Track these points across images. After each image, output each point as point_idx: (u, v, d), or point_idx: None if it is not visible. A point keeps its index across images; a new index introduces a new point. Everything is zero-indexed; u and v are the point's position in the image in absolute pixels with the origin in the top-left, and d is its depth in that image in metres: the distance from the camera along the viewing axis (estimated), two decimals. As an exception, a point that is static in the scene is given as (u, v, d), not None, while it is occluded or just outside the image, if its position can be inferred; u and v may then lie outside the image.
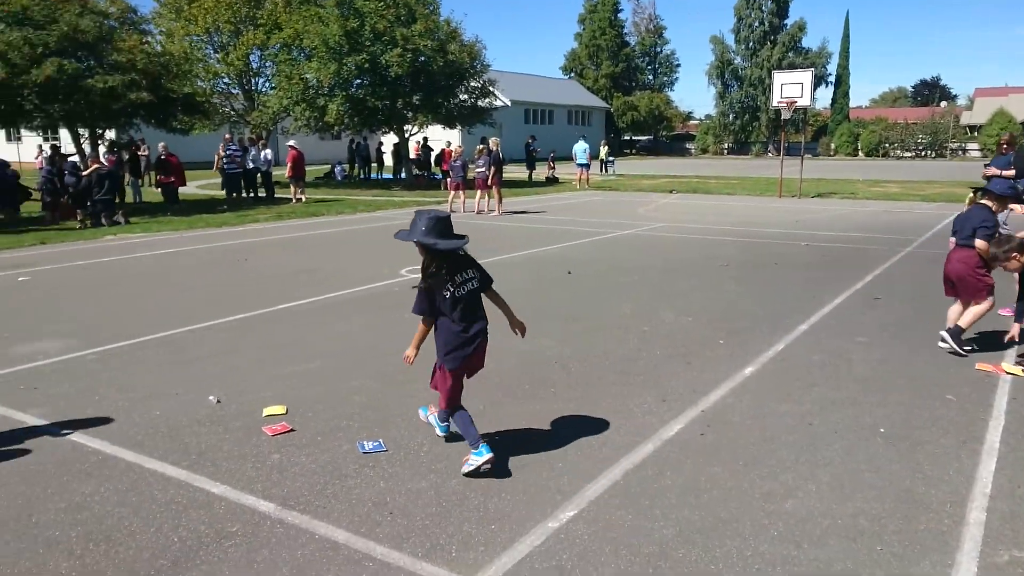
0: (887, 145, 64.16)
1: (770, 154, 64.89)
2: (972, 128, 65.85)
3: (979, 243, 6.26)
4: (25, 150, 35.62)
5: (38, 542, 3.54)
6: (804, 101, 22.27)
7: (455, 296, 4.16)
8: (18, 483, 4.15)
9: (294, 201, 21.47)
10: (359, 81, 26.25)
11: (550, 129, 57.81)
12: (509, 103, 51.29)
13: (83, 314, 8.33)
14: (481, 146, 19.22)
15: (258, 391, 5.63)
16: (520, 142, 37.51)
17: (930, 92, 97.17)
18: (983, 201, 6.59)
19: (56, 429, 4.90)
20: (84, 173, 16.93)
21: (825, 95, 71.11)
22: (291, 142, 22.86)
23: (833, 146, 66.99)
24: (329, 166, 35.26)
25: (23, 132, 30.94)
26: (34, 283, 10.26)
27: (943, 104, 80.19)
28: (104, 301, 9.09)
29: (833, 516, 3.75)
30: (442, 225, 4.14)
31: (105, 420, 5.06)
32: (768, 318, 7.79)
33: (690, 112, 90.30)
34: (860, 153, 65.44)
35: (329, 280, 10.07)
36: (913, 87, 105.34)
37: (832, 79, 69.37)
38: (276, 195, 23.61)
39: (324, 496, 3.97)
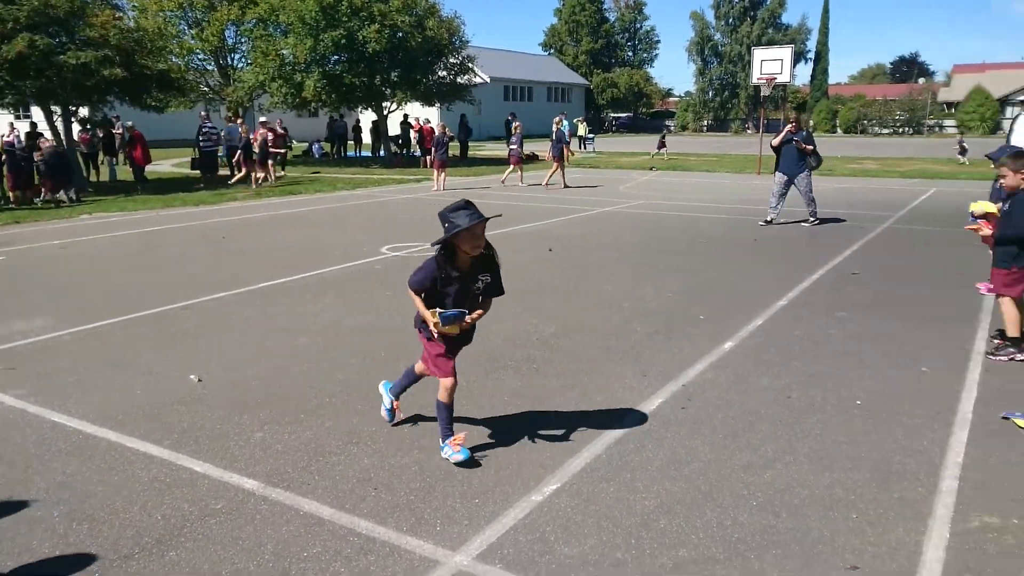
0: (865, 122, 64.59)
1: (749, 131, 65.07)
2: (950, 105, 66.40)
3: None
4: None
5: (20, 521, 3.53)
6: (784, 77, 22.33)
7: (456, 296, 3.95)
8: (-2, 464, 4.13)
9: (257, 183, 20.43)
10: (336, 57, 25.93)
11: (530, 106, 57.58)
12: (488, 80, 50.96)
13: (60, 294, 8.23)
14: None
15: (240, 369, 5.62)
16: (500, 119, 37.32)
17: (908, 69, 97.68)
18: None
19: (36, 409, 4.86)
20: (38, 153, 16.75)
21: (804, 72, 71.37)
22: (263, 119, 22.37)
23: (812, 123, 67.22)
24: (307, 144, 34.89)
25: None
26: (9, 263, 10.11)
27: (921, 81, 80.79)
28: (81, 280, 8.99)
29: (811, 486, 3.82)
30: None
31: (86, 399, 5.03)
32: (748, 294, 7.87)
33: (670, 89, 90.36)
34: (839, 130, 65.82)
35: (310, 258, 10.01)
36: (891, 64, 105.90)
37: (811, 56, 69.56)
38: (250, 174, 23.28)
39: (308, 473, 3.98)
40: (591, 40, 74.04)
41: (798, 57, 64.14)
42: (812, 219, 12.71)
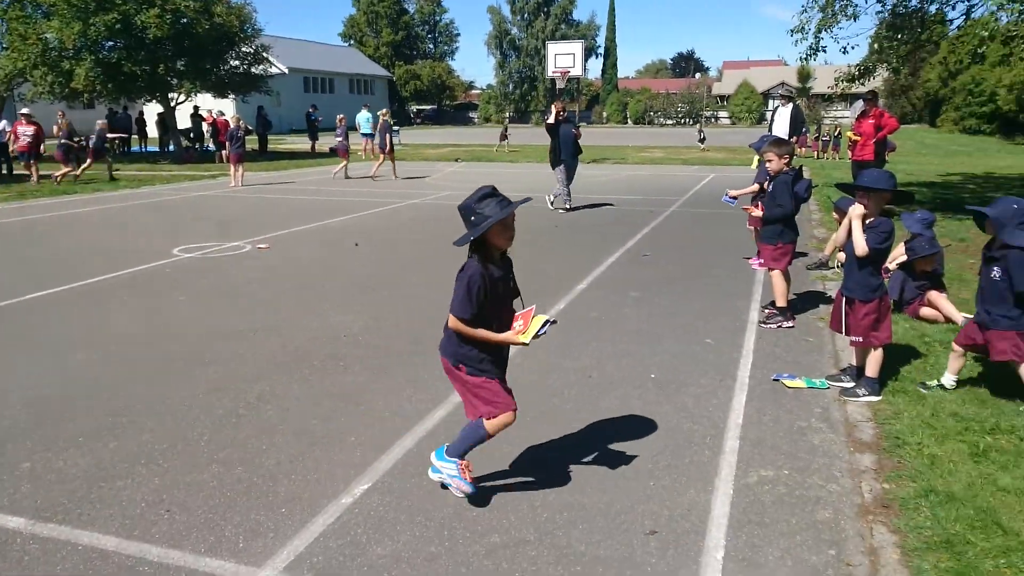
0: (652, 113, 69.36)
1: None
2: (722, 98, 72.95)
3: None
4: None
5: None
6: (577, 71, 23.37)
7: (499, 304, 3.44)
8: None
9: (59, 180, 18.25)
10: (112, 43, 23.67)
11: (332, 98, 56.04)
12: (286, 71, 48.97)
13: None
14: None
15: (2, 394, 4.96)
16: (301, 112, 35.95)
17: (686, 64, 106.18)
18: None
19: None
20: None
21: (596, 66, 75.27)
22: (24, 111, 19.88)
23: (605, 115, 71.15)
24: (80, 138, 31.52)
25: None
26: None
27: (698, 76, 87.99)
28: None
29: (613, 460, 4.02)
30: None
31: None
32: (551, 278, 8.15)
33: (472, 82, 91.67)
34: (629, 121, 70.14)
35: (88, 265, 9.06)
36: (672, 60, 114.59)
37: (601, 51, 73.52)
38: (15, 172, 20.75)
39: (88, 502, 3.59)
40: (391, 32, 73.37)
41: (589, 52, 67.48)
42: (553, 203, 13.41)
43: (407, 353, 5.78)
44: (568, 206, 13.32)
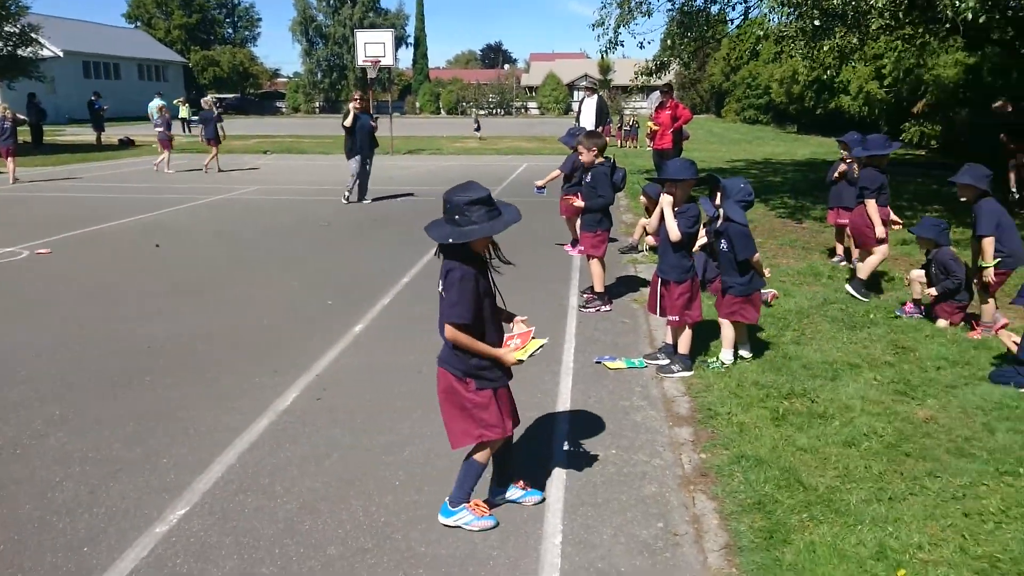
0: (464, 104, 70.03)
1: (361, 113, 66.28)
2: (531, 89, 75.11)
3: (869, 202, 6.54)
4: None
5: None
6: (388, 60, 23.02)
7: (490, 310, 3.29)
8: None
9: None
10: None
11: (118, 85, 51.41)
12: (61, 54, 44.17)
13: None
14: None
15: None
16: (81, 99, 32.63)
17: (495, 56, 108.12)
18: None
19: None
20: None
21: (406, 56, 74.72)
22: None
23: (418, 105, 70.93)
24: None
25: None
26: None
27: (506, 67, 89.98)
28: None
29: (449, 455, 3.95)
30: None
31: None
32: (372, 275, 7.97)
33: (277, 69, 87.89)
34: (442, 111, 70.39)
35: None
36: (481, 50, 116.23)
37: (411, 40, 73.13)
38: None
39: None
40: (183, 14, 68.38)
41: (399, 41, 66.96)
42: (351, 199, 13.19)
43: (226, 362, 5.40)
44: (353, 198, 13.05)
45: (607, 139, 7.41)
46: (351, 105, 12.98)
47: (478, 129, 31.72)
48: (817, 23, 10.43)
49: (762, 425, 4.20)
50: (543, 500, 3.51)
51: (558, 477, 3.76)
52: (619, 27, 14.74)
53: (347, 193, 13.11)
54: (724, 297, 5.11)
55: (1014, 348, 4.77)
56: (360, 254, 9.03)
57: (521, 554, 3.13)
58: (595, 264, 6.66)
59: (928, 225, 6.16)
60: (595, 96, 14.51)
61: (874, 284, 6.97)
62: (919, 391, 4.63)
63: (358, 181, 13.08)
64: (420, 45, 73.20)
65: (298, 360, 5.38)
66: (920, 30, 11.67)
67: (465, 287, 3.07)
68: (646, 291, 7.07)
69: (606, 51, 15.19)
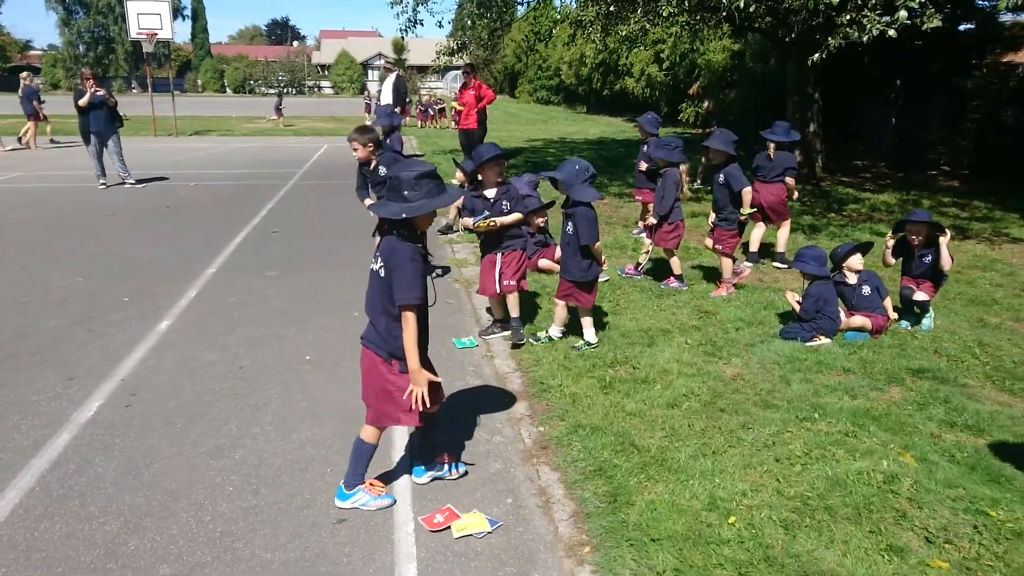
0: (252, 82, 66.35)
1: (134, 90, 60.91)
2: (323, 67, 72.65)
3: (788, 180, 7.27)
4: None
5: None
6: (165, 33, 21.22)
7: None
8: None
9: None
10: None
11: None
12: None
13: None
14: None
15: None
16: None
17: (283, 32, 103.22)
18: None
19: None
20: None
21: (184, 29, 69.26)
22: None
23: (200, 82, 66.25)
24: None
25: None
26: None
27: (296, 44, 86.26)
28: None
29: (283, 453, 3.78)
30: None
31: None
32: (172, 266, 7.34)
33: (28, 41, 77.99)
34: (228, 89, 66.25)
35: None
36: (267, 26, 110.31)
37: (188, 13, 67.92)
38: None
39: None
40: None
41: (176, 13, 61.80)
42: (129, 181, 12.37)
43: (6, 371, 4.74)
44: (101, 183, 12.08)
45: (404, 119, 7.33)
46: (87, 84, 11.79)
47: (279, 110, 29.69)
48: (612, 8, 10.98)
49: (592, 394, 4.40)
50: (391, 505, 3.37)
51: (402, 464, 3.70)
52: (418, 5, 14.64)
53: (102, 180, 12.09)
54: (561, 280, 5.15)
55: (798, 308, 5.35)
56: (156, 244, 8.28)
57: (375, 546, 3.06)
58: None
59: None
60: (393, 75, 14.33)
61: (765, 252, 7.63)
62: (724, 351, 5.07)
63: (104, 161, 12.12)
64: (199, 18, 68.15)
65: (97, 365, 4.85)
66: (696, 17, 12.64)
67: (416, 267, 3.04)
68: (468, 271, 7.14)
69: (405, 30, 15.03)
